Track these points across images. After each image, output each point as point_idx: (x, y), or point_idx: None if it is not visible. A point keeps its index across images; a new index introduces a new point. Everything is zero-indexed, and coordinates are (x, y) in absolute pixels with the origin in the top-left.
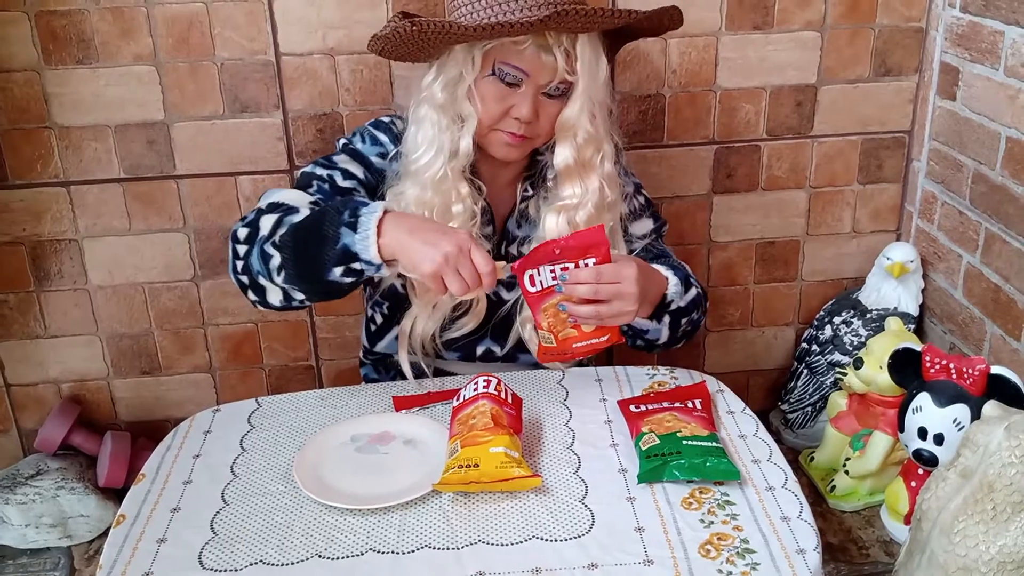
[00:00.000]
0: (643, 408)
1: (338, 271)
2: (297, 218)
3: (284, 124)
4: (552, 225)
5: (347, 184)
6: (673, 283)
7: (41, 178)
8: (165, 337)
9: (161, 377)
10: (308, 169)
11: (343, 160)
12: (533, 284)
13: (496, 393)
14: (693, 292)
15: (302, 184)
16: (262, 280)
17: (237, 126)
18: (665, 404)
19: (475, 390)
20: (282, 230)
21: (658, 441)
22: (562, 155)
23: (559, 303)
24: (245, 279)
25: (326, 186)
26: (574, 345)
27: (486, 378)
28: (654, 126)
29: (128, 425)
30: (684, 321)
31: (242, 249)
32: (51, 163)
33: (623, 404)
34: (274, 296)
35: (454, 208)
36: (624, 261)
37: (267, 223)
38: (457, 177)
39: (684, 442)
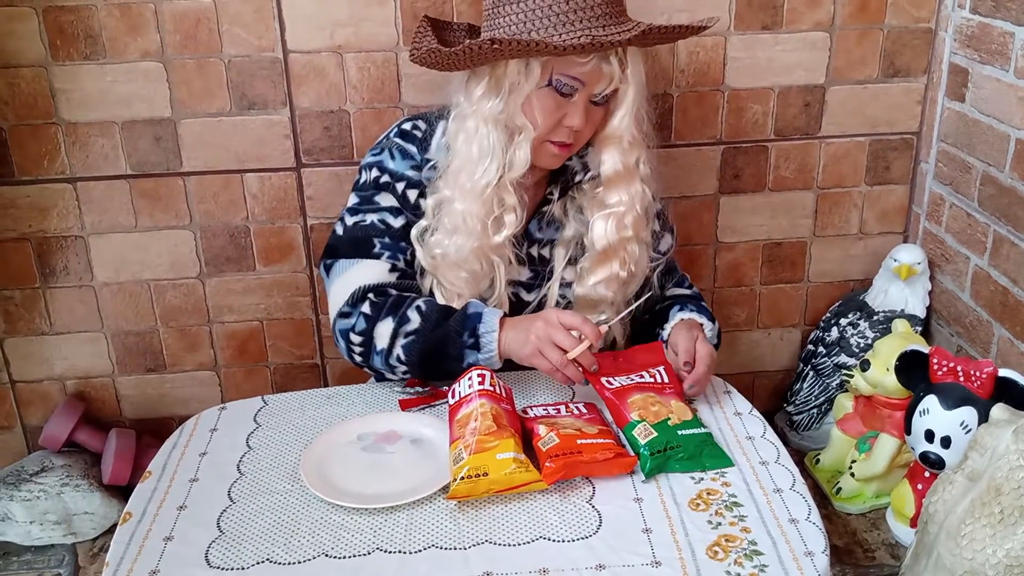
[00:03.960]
0: (616, 384)
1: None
2: (411, 327)
3: (291, 121)
4: (601, 231)
5: (399, 222)
6: (707, 327)
7: (47, 174)
8: (170, 334)
9: (166, 374)
10: (357, 219)
11: (384, 197)
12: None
13: (491, 388)
14: (707, 314)
15: (360, 241)
16: (385, 374)
17: (244, 123)
18: (635, 379)
19: (470, 387)
20: (402, 343)
21: (656, 434)
22: (610, 161)
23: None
24: (366, 369)
25: (387, 239)
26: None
27: (479, 373)
28: (662, 126)
29: (133, 422)
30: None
31: (358, 350)
32: (58, 159)
33: (593, 379)
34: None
35: (506, 218)
36: (697, 345)
37: (383, 334)
38: (505, 188)
39: (679, 432)
